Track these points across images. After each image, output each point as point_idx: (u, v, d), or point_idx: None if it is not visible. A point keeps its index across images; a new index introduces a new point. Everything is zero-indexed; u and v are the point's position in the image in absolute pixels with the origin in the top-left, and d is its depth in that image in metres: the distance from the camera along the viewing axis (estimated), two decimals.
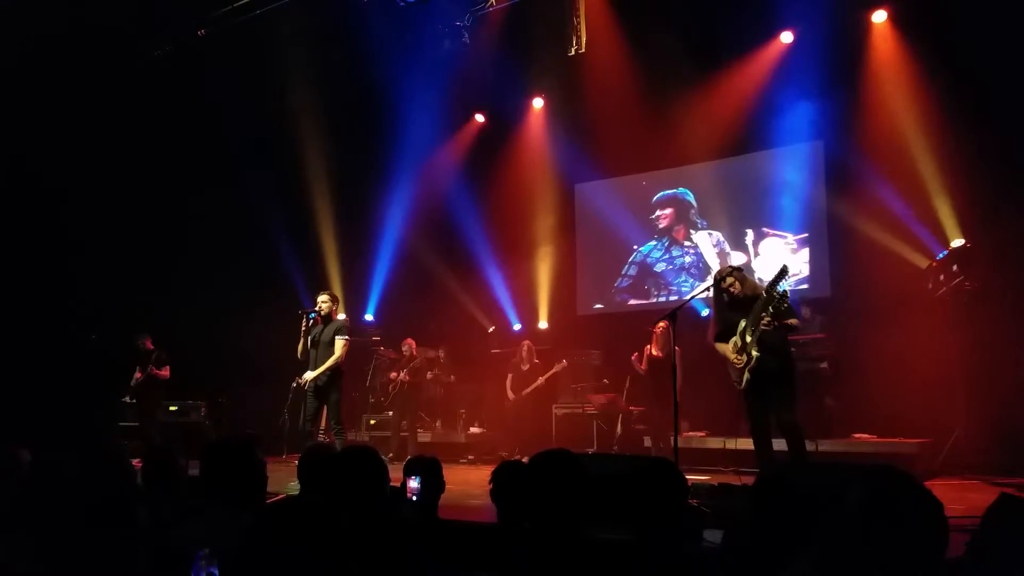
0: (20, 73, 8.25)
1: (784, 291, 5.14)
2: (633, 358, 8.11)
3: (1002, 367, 6.66)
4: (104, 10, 8.24)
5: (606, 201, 10.39)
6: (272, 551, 1.78)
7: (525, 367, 9.07)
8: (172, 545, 2.34)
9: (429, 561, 2.40)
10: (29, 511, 2.48)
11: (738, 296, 5.33)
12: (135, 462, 3.02)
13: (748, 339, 5.20)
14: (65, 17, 8.12)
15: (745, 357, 5.22)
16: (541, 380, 8.94)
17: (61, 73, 8.50)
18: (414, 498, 3.03)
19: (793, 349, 5.81)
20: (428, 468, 3.15)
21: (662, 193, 10.10)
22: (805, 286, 8.63)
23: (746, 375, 5.23)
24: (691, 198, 9.89)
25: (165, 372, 8.88)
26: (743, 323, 5.25)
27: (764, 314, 5.11)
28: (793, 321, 5.25)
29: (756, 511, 2.22)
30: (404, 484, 3.13)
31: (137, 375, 8.90)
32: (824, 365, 7.49)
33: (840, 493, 1.73)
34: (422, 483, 3.06)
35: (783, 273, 5.16)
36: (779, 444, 5.28)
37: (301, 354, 6.80)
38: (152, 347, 8.94)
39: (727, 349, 5.37)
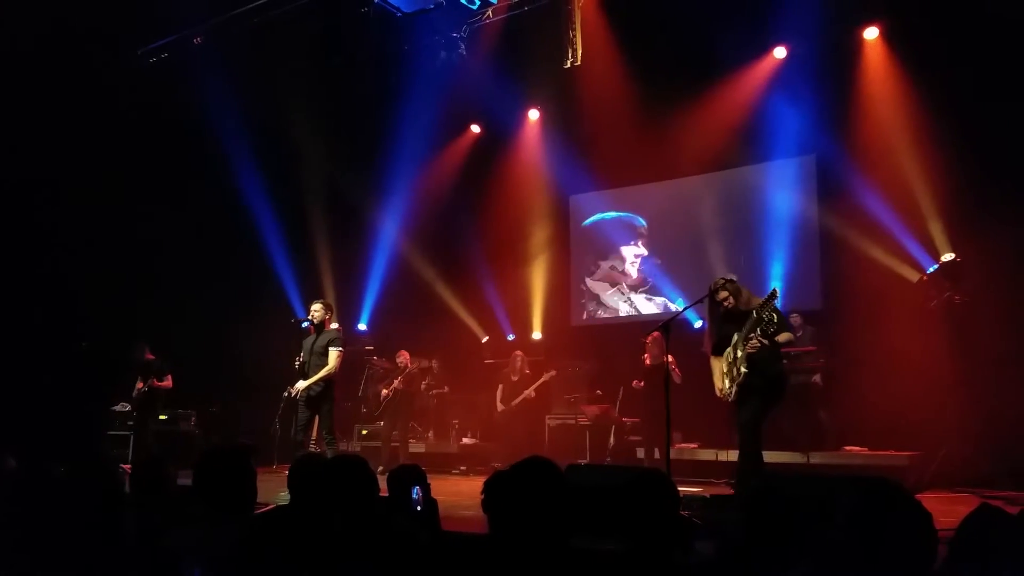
0: (12, 75, 8.24)
1: (772, 316, 5.15)
2: (634, 384, 8.10)
3: (992, 380, 6.69)
4: (101, 16, 8.25)
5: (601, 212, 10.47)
6: (261, 563, 1.76)
7: (515, 378, 9.05)
8: (160, 554, 2.32)
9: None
10: (15, 519, 2.46)
11: (732, 310, 5.35)
12: (125, 466, 3.00)
13: (739, 354, 5.22)
14: (63, 21, 8.12)
15: (734, 371, 5.24)
16: (529, 391, 8.91)
17: (56, 76, 8.49)
18: (418, 508, 3.02)
19: (784, 362, 5.82)
20: (421, 477, 3.14)
21: (604, 216, 10.19)
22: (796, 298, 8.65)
23: (734, 389, 5.25)
24: (642, 225, 9.96)
25: (167, 383, 8.81)
26: (736, 336, 5.27)
27: (752, 335, 5.13)
28: (784, 337, 5.25)
29: (747, 522, 2.22)
30: (395, 495, 3.12)
31: (139, 385, 8.81)
32: (816, 378, 7.52)
33: (831, 504, 1.73)
34: (423, 493, 3.05)
35: (773, 296, 5.19)
36: (771, 456, 5.30)
37: (299, 364, 6.77)
38: (152, 356, 8.86)
39: (719, 364, 5.39)
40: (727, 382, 5.33)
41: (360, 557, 2.32)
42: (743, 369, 5.18)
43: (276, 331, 7.90)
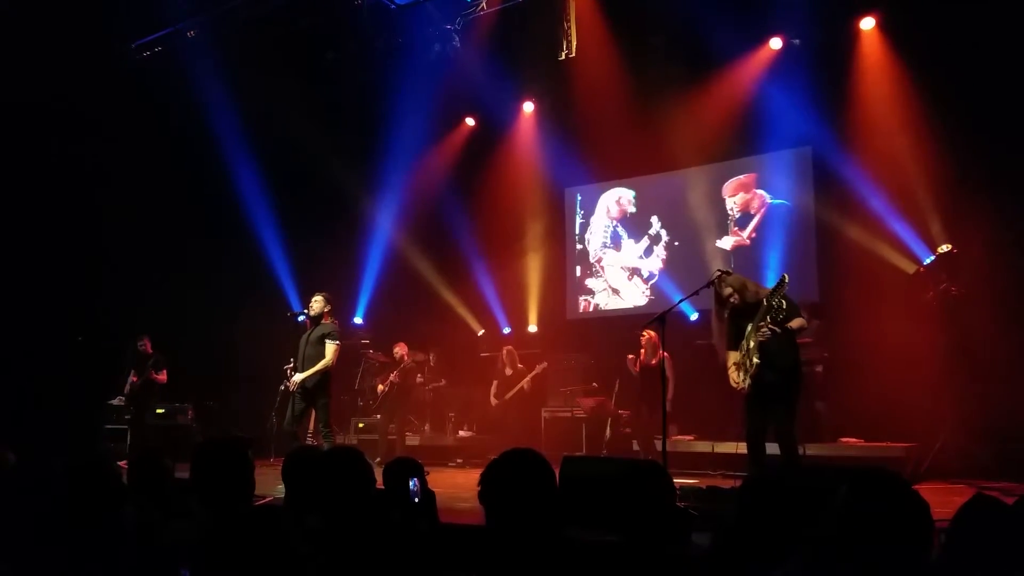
0: (8, 69, 8.19)
1: (781, 303, 5.14)
2: (629, 358, 8.08)
3: (988, 372, 6.71)
4: (96, 10, 8.22)
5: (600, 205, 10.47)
6: (255, 556, 1.75)
7: (509, 372, 9.06)
8: (158, 546, 2.32)
9: (429, 567, 2.39)
10: (13, 512, 2.46)
11: (739, 305, 5.33)
12: (121, 463, 3.00)
13: (751, 344, 5.21)
14: (55, 15, 8.08)
15: (748, 363, 5.23)
16: (522, 384, 8.92)
17: (45, 72, 8.45)
18: (416, 500, 3.01)
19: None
20: (419, 470, 3.14)
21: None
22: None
23: (747, 380, 5.24)
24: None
25: (162, 376, 8.81)
26: (749, 327, 5.27)
27: (762, 324, 5.12)
28: (797, 323, 5.22)
29: (743, 513, 2.22)
30: (392, 487, 3.12)
31: (133, 378, 8.80)
32: (817, 368, 7.50)
33: (827, 494, 1.74)
34: (420, 485, 3.05)
35: (782, 283, 5.18)
36: (771, 448, 5.30)
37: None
38: (151, 350, 8.85)
39: (735, 356, 5.37)
40: (741, 374, 5.32)
41: (356, 549, 2.32)
42: (755, 360, 5.17)
43: (272, 324, 7.89)
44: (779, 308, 5.12)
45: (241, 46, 8.88)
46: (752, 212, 9.25)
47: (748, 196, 9.30)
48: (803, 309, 7.81)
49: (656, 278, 9.81)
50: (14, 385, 8.37)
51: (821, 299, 8.33)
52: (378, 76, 9.35)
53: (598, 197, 10.47)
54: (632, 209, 10.17)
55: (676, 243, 9.69)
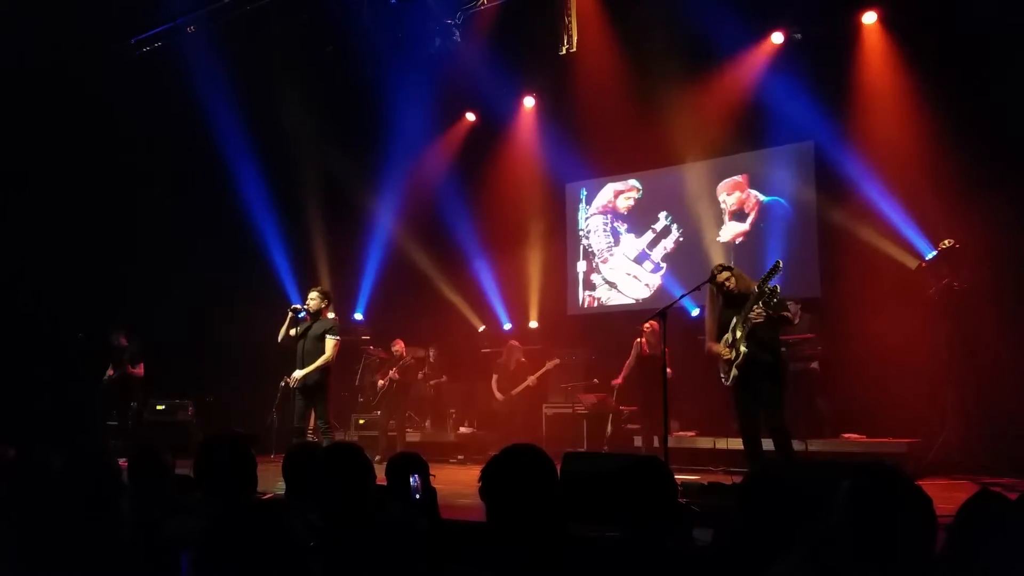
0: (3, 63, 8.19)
1: (775, 287, 5.17)
2: (637, 341, 8.06)
3: (990, 367, 6.69)
4: (93, 6, 8.20)
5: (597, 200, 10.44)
6: (255, 550, 1.74)
7: (512, 367, 9.04)
8: (158, 542, 2.32)
9: (429, 563, 2.38)
10: (13, 508, 2.46)
11: (733, 292, 5.34)
12: (121, 462, 2.99)
13: (739, 334, 5.20)
14: (55, 12, 8.07)
15: (734, 352, 5.23)
16: (532, 379, 8.90)
17: (49, 65, 8.43)
18: (417, 496, 3.00)
19: (783, 349, 5.84)
20: (421, 465, 3.13)
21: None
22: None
23: (734, 371, 5.23)
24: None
25: (139, 370, 8.72)
26: (735, 319, 5.27)
27: (756, 307, 5.13)
28: (786, 313, 5.27)
29: (744, 508, 2.21)
30: (393, 483, 3.11)
31: (109, 372, 8.74)
32: (814, 365, 7.52)
33: (828, 490, 1.73)
34: (422, 481, 3.04)
35: (775, 269, 5.18)
36: (768, 443, 5.30)
37: (282, 338, 6.74)
38: (127, 343, 8.79)
39: (719, 347, 5.38)
40: (724, 366, 5.32)
41: (356, 544, 2.31)
42: (743, 348, 5.16)
43: (273, 320, 7.89)
44: (773, 292, 5.12)
45: (240, 41, 8.86)
46: (747, 211, 9.23)
47: (743, 196, 9.28)
48: (801, 304, 7.87)
49: (660, 272, 9.77)
50: (15, 381, 8.36)
51: (823, 294, 8.32)
52: (378, 71, 9.32)
53: (600, 192, 10.46)
54: (631, 204, 10.14)
55: (681, 238, 9.66)
